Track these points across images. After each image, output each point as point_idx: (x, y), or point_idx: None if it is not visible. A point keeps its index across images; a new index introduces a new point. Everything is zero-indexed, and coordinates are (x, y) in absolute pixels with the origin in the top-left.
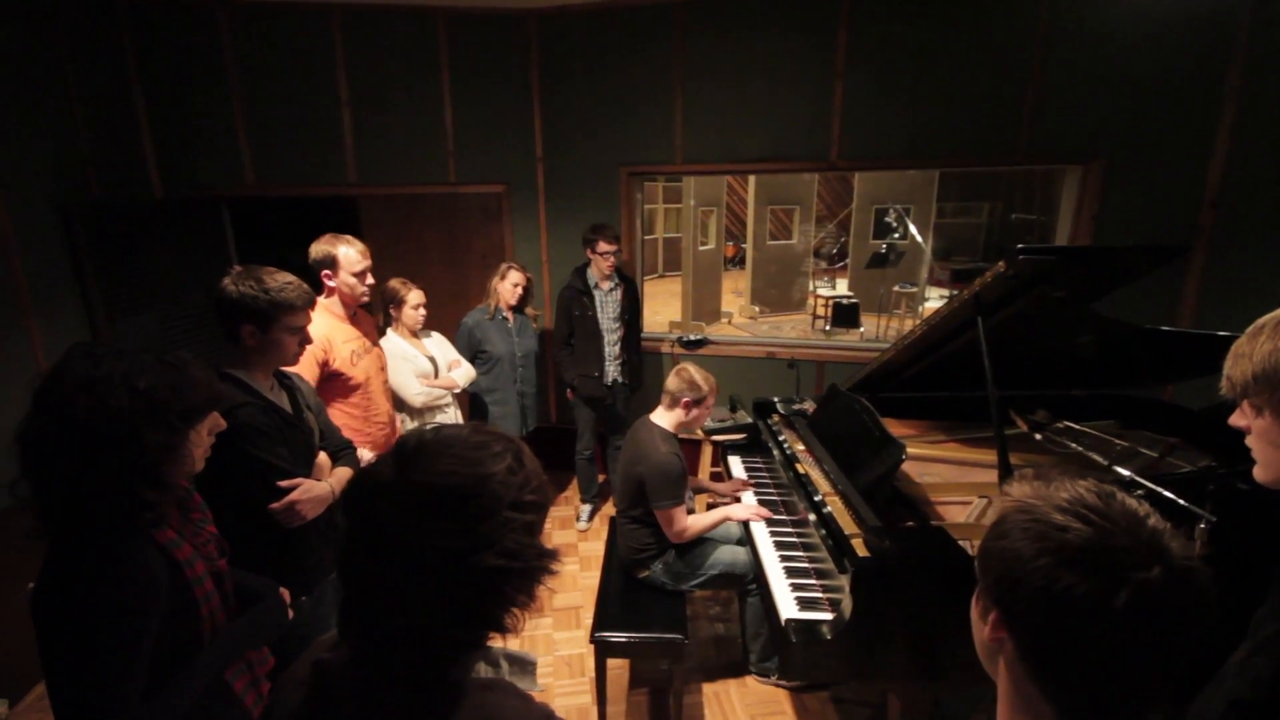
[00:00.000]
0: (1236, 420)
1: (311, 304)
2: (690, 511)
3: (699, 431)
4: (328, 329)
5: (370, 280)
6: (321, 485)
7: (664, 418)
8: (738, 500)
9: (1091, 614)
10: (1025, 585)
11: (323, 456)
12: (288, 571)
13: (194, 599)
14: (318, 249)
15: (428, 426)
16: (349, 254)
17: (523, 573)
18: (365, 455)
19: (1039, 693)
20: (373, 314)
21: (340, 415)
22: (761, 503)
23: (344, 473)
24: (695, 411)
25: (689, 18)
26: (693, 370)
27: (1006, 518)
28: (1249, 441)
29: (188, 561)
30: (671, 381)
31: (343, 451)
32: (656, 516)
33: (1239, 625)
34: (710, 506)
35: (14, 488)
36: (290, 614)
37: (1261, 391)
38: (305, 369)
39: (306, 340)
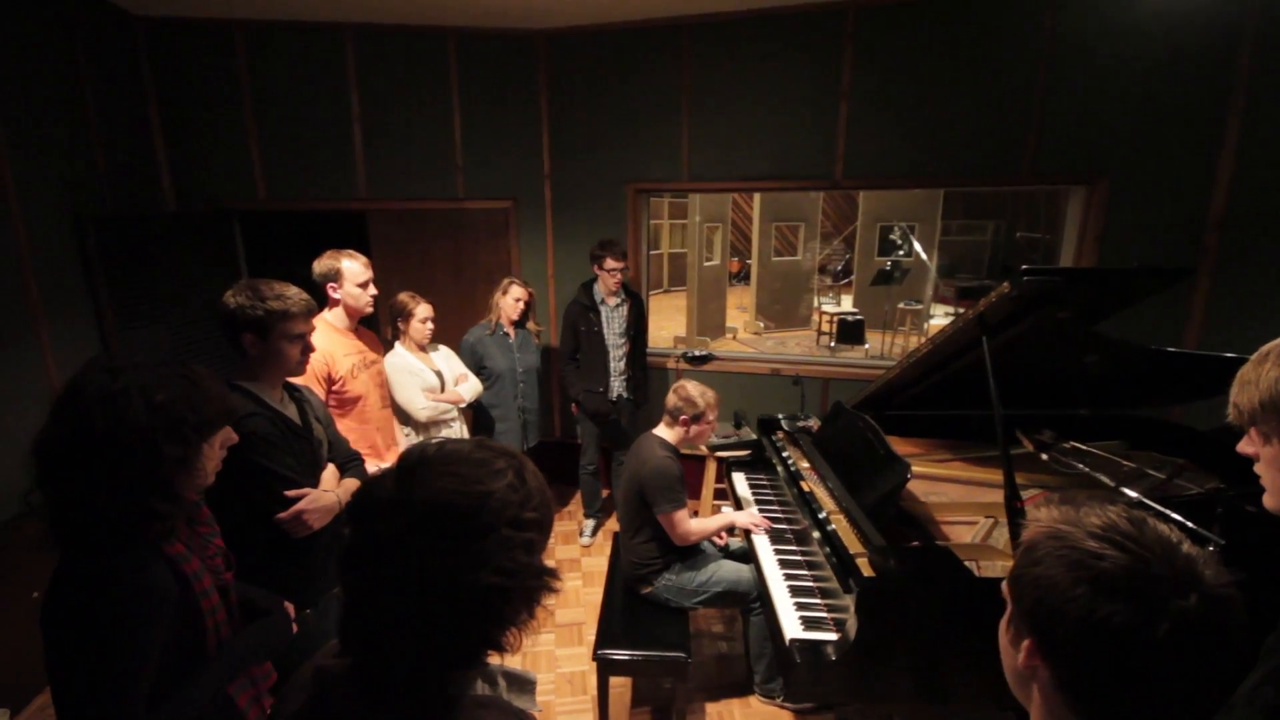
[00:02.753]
0: (1244, 448)
1: (312, 312)
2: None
3: (703, 448)
4: (328, 343)
5: (373, 291)
6: (328, 495)
7: (666, 433)
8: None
9: (1131, 643)
10: (1062, 614)
11: (330, 468)
12: (293, 583)
13: (200, 612)
14: (321, 264)
15: (432, 441)
16: (352, 266)
17: (520, 592)
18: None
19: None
20: (380, 329)
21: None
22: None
23: (351, 484)
24: (696, 428)
25: (696, 38)
26: (690, 387)
27: (1038, 544)
28: (1258, 469)
29: (195, 575)
30: (670, 399)
31: (351, 463)
32: (660, 522)
33: (1249, 652)
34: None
35: (28, 497)
36: (294, 628)
37: (1269, 419)
38: (312, 388)
39: (309, 349)
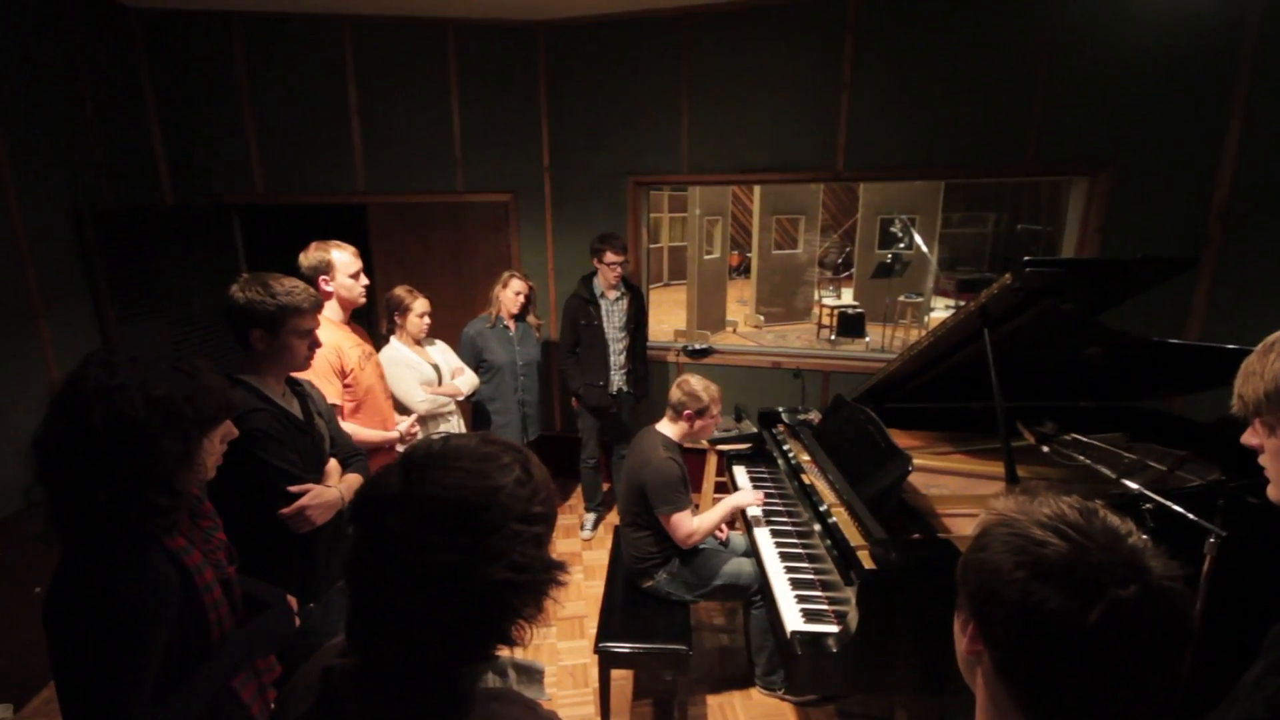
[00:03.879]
0: (1249, 439)
1: (319, 307)
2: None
3: (704, 441)
4: (333, 336)
5: (365, 281)
6: (331, 491)
7: (669, 428)
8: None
9: (1064, 628)
10: (1001, 598)
11: (333, 463)
12: (296, 577)
13: (203, 606)
14: (310, 257)
15: (435, 436)
16: (342, 257)
17: (530, 585)
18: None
19: (1015, 707)
20: (376, 322)
21: (346, 424)
22: (766, 513)
23: (354, 479)
24: (700, 422)
25: (696, 29)
26: (694, 381)
27: (988, 531)
28: (1262, 460)
29: (197, 569)
30: (673, 393)
31: (353, 458)
32: (663, 524)
33: (1252, 642)
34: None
35: (29, 492)
36: (297, 622)
37: (1274, 410)
38: (325, 382)
39: (316, 344)
